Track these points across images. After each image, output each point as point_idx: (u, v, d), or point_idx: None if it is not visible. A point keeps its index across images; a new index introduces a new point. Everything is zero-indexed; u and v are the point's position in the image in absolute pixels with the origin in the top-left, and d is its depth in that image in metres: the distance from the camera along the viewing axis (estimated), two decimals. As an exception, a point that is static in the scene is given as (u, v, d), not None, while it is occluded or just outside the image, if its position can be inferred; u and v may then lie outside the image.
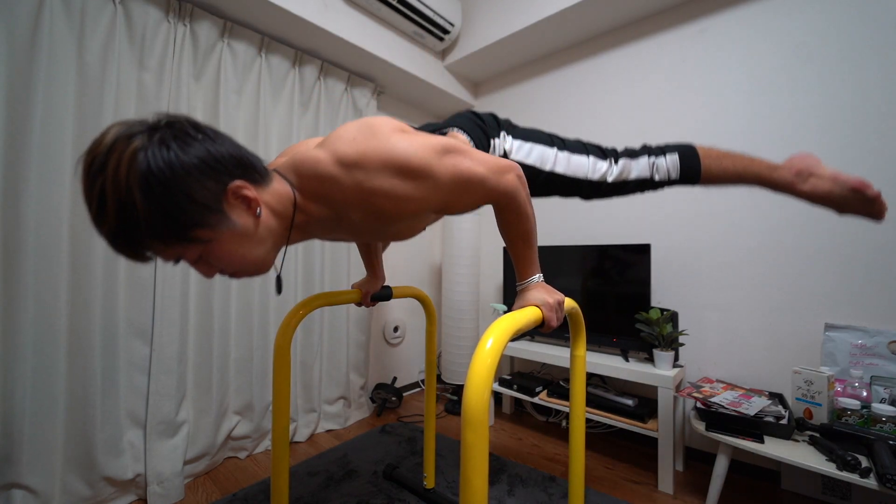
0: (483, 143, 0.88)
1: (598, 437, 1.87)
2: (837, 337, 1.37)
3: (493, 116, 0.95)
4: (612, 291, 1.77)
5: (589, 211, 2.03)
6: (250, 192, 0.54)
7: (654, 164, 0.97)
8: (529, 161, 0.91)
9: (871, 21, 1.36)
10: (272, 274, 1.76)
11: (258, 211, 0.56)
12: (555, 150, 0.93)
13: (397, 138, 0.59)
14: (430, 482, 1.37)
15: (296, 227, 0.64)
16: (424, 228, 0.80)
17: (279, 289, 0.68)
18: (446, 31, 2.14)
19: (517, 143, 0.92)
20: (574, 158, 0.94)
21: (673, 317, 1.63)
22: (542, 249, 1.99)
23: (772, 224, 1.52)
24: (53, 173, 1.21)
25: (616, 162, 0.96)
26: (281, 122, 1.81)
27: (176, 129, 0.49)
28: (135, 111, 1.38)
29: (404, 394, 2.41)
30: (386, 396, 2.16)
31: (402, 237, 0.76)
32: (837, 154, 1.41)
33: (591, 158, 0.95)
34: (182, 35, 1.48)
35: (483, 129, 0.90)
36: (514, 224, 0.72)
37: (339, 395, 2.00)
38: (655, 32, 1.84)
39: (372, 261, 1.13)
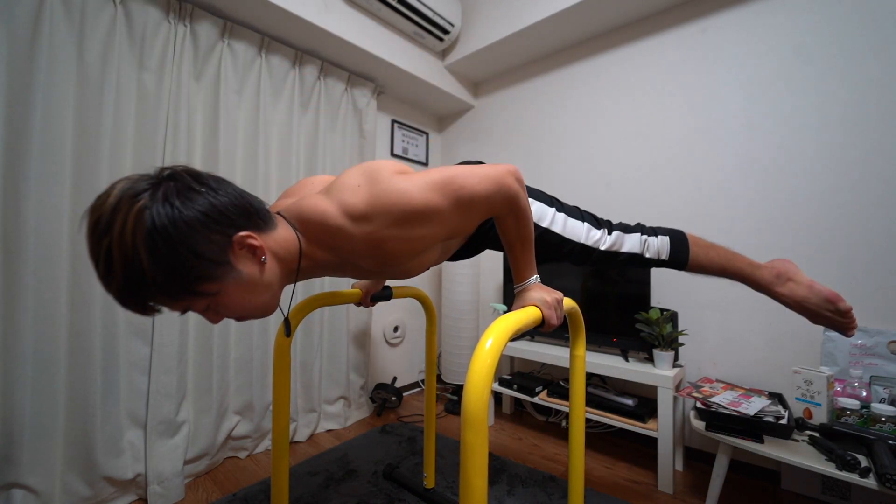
0: None
1: (597, 437, 1.87)
2: (837, 337, 1.37)
3: None
4: (612, 291, 1.77)
5: (589, 211, 2.02)
6: (256, 241, 0.55)
7: (645, 242, 1.01)
8: None
9: (871, 22, 1.36)
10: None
11: (263, 258, 0.56)
12: (553, 210, 0.96)
13: (398, 180, 0.60)
14: (430, 482, 1.37)
15: (301, 270, 0.64)
16: (431, 265, 0.81)
17: (288, 331, 0.69)
18: (446, 32, 2.14)
19: None
20: (570, 222, 0.97)
21: (673, 317, 1.63)
22: (542, 249, 1.99)
23: (771, 224, 1.52)
24: (53, 173, 1.21)
25: (610, 233, 0.99)
26: (281, 122, 1.81)
27: (178, 183, 0.50)
28: (135, 111, 1.38)
29: (404, 394, 2.41)
30: (386, 396, 2.16)
31: (410, 275, 0.76)
32: (837, 154, 1.41)
33: (587, 225, 0.98)
34: (182, 35, 1.48)
35: None
36: (514, 228, 0.72)
37: (339, 395, 2.01)
38: (655, 32, 1.84)
39: None
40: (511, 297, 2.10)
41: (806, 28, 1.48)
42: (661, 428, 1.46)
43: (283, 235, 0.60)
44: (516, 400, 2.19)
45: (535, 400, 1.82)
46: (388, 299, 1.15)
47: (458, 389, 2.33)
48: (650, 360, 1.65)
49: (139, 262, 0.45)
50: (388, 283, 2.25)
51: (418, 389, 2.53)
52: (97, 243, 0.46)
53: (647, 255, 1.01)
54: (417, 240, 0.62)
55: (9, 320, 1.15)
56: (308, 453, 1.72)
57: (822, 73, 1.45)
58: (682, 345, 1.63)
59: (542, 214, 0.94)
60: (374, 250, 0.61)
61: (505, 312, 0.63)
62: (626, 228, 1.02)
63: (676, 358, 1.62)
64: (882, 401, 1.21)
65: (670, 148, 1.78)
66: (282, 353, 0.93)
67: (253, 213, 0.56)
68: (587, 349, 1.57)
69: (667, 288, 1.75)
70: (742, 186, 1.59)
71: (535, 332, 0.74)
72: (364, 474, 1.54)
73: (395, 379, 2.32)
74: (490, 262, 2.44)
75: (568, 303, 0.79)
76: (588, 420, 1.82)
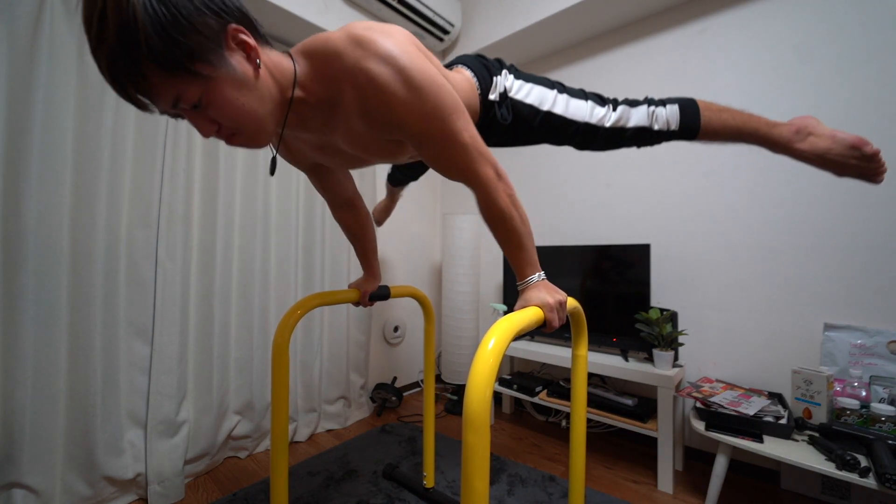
0: (486, 79, 0.89)
1: (597, 437, 1.87)
2: (837, 337, 1.37)
3: (499, 60, 0.95)
4: (612, 291, 1.78)
5: (589, 211, 2.03)
6: (250, 39, 0.55)
7: (653, 112, 0.96)
8: (528, 100, 0.91)
9: (871, 22, 1.36)
10: (271, 270, 1.77)
11: (258, 62, 0.56)
12: (554, 91, 0.93)
13: (411, 50, 0.59)
14: (429, 482, 1.38)
15: (293, 105, 0.63)
16: (404, 157, 0.81)
17: (273, 169, 0.68)
18: (446, 32, 2.14)
19: (518, 82, 0.92)
20: (573, 101, 0.93)
21: (673, 317, 1.63)
22: (542, 249, 1.99)
23: (771, 224, 1.53)
24: (53, 173, 1.21)
25: (615, 109, 0.95)
26: (281, 122, 1.81)
27: None
28: (135, 111, 1.38)
29: (404, 394, 2.41)
30: (386, 396, 2.16)
31: (383, 156, 0.76)
32: (837, 154, 1.41)
33: (590, 103, 0.94)
34: (182, 35, 1.47)
35: (487, 67, 0.90)
36: (496, 223, 0.71)
37: (339, 395, 2.01)
38: (655, 32, 1.84)
39: (368, 256, 1.13)
40: (512, 296, 2.10)
41: (805, 28, 1.48)
42: (661, 428, 1.46)
43: (278, 58, 0.60)
44: (516, 400, 2.19)
45: (535, 400, 1.82)
46: (386, 298, 1.15)
47: (457, 389, 2.33)
48: (650, 360, 1.65)
49: (134, 21, 0.44)
50: (388, 282, 2.24)
51: (418, 389, 2.53)
52: (92, 4, 0.45)
53: (657, 127, 0.95)
54: (393, 102, 0.58)
55: (9, 320, 1.15)
56: (308, 453, 1.72)
57: (821, 73, 1.45)
58: (682, 345, 1.63)
59: (543, 98, 0.91)
60: (356, 86, 0.59)
61: (505, 312, 0.63)
62: (633, 103, 0.97)
63: (676, 358, 1.62)
64: (882, 401, 1.21)
65: (670, 147, 1.78)
66: (281, 353, 0.93)
67: (250, 20, 0.56)
68: (587, 349, 1.57)
69: (667, 288, 1.75)
70: (742, 186, 1.59)
71: (536, 331, 0.74)
72: (364, 474, 1.54)
73: (395, 379, 2.32)
74: (490, 262, 2.44)
75: (570, 303, 0.79)
76: (588, 420, 1.82)
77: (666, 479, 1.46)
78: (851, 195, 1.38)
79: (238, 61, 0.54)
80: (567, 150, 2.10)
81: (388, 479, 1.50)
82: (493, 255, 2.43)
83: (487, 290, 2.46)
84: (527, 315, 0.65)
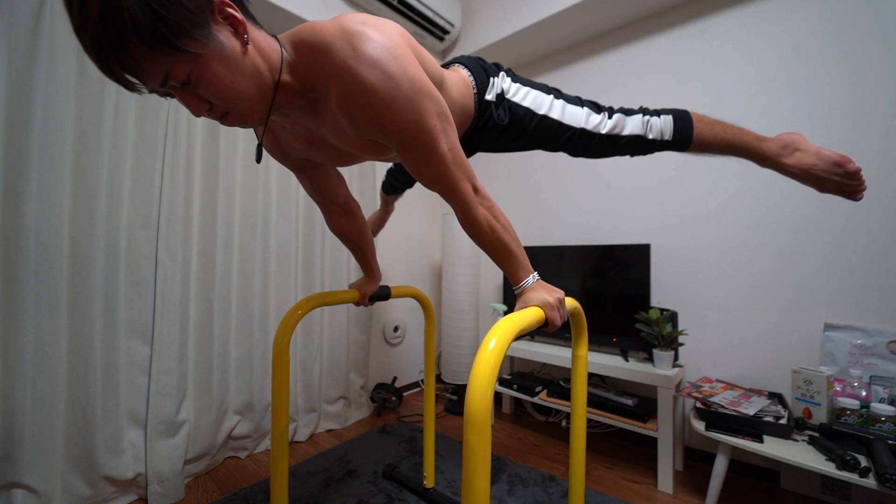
0: (483, 79, 0.89)
1: (597, 437, 1.87)
2: (837, 337, 1.38)
3: (496, 64, 0.96)
4: (612, 291, 1.78)
5: (589, 211, 2.03)
6: (237, 13, 0.53)
7: (648, 121, 0.99)
8: (525, 103, 0.91)
9: (873, 20, 1.37)
10: (271, 270, 1.76)
11: (246, 38, 0.55)
12: (551, 97, 0.94)
13: (402, 53, 0.58)
14: (429, 482, 1.38)
15: (280, 89, 0.62)
16: (391, 155, 0.81)
17: (259, 157, 0.67)
18: (446, 32, 2.14)
19: (515, 85, 0.93)
20: (569, 108, 0.95)
21: (673, 317, 1.63)
22: (543, 249, 2.00)
23: (772, 224, 1.53)
24: (53, 173, 1.21)
25: (610, 116, 0.97)
26: (281, 122, 1.80)
27: None
28: (135, 111, 1.38)
29: (404, 394, 2.41)
30: (386, 396, 2.16)
31: (371, 153, 0.75)
32: (837, 154, 1.41)
33: (586, 110, 0.96)
34: (182, 35, 1.47)
35: (484, 68, 0.91)
36: (479, 237, 0.72)
37: (339, 395, 2.01)
38: (655, 32, 1.84)
39: (368, 260, 1.13)
40: (512, 296, 2.10)
41: (806, 27, 1.48)
42: (661, 428, 1.46)
43: (266, 39, 0.59)
44: (516, 400, 2.19)
45: (535, 400, 1.82)
46: (387, 298, 1.15)
47: (457, 389, 2.33)
48: (650, 360, 1.65)
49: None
50: (389, 282, 2.24)
51: (418, 389, 2.53)
52: None
53: (651, 136, 0.98)
54: (375, 102, 0.57)
55: (9, 320, 1.15)
56: (308, 453, 1.72)
57: (822, 72, 1.45)
58: (682, 345, 1.63)
59: (540, 102, 0.93)
60: (341, 83, 0.58)
61: (505, 312, 0.63)
62: (628, 111, 0.99)
63: (676, 358, 1.62)
64: (881, 401, 1.21)
65: (670, 148, 1.78)
66: (282, 353, 0.93)
67: None
68: (587, 349, 1.57)
69: (667, 288, 1.75)
70: (742, 186, 1.59)
71: (537, 331, 0.74)
72: (364, 474, 1.54)
73: (395, 379, 2.32)
74: (490, 262, 2.44)
75: (570, 303, 0.79)
76: (588, 420, 1.82)
77: (666, 479, 1.46)
78: (851, 195, 1.38)
79: (226, 36, 0.53)
80: (567, 150, 2.10)
81: (388, 479, 1.50)
82: (493, 255, 2.43)
83: (487, 290, 2.46)
84: (528, 315, 0.65)
